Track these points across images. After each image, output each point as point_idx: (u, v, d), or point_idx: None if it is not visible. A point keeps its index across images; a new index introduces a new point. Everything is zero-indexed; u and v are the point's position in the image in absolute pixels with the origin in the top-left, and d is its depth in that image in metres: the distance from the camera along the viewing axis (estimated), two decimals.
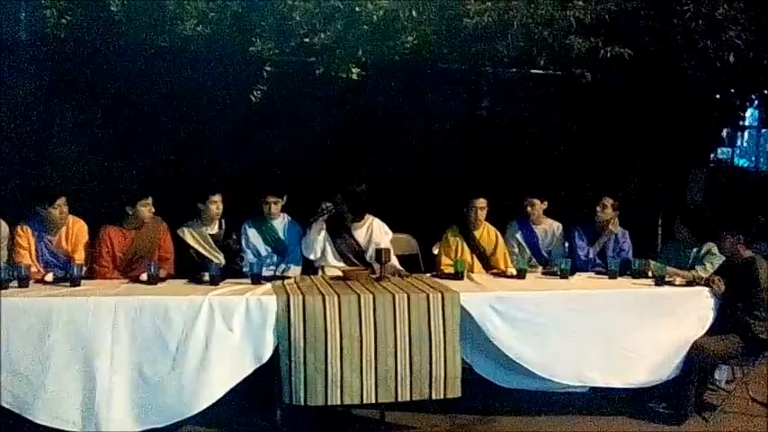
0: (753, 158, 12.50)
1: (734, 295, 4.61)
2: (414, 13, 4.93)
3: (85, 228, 4.88)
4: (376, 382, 4.15)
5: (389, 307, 4.19)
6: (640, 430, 4.52)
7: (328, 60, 5.03)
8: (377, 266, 4.82)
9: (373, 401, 4.18)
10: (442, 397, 4.24)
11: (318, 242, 5.13)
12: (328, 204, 5.05)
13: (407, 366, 4.18)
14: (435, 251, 5.58)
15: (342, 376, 4.11)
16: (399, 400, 4.19)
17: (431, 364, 4.20)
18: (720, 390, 4.97)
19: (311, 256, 5.16)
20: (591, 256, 5.47)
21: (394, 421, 4.50)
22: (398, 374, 4.17)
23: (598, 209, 5.46)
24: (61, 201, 4.70)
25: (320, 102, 5.67)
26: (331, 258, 5.17)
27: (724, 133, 7.99)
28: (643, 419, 4.61)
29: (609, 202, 5.46)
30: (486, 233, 5.47)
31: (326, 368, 4.09)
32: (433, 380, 4.21)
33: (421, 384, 4.19)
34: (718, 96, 6.61)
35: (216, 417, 4.17)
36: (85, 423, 3.92)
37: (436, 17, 5.14)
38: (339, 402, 4.13)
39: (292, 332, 4.09)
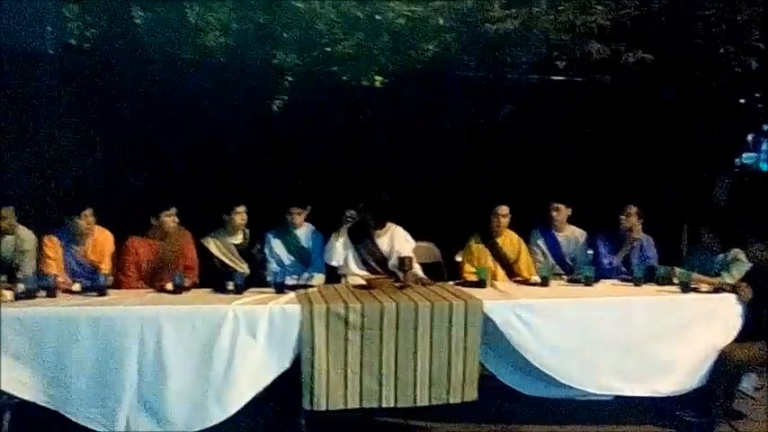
0: None
1: (762, 301, 4.55)
2: (436, 21, 4.95)
3: (111, 238, 4.94)
4: (395, 387, 4.18)
5: (412, 315, 4.20)
6: None
7: (350, 69, 5.06)
8: (400, 274, 4.83)
9: (392, 405, 4.21)
10: (459, 401, 4.26)
11: (339, 250, 5.16)
12: (351, 212, 5.07)
13: (427, 373, 4.21)
14: (458, 259, 5.57)
15: (361, 381, 4.15)
16: (418, 404, 4.22)
17: (449, 369, 4.22)
18: (748, 397, 4.91)
19: (333, 263, 5.18)
20: (615, 263, 5.43)
21: (417, 427, 4.51)
22: (418, 380, 4.20)
23: (622, 217, 5.43)
24: (88, 212, 4.76)
25: (342, 110, 5.69)
26: (354, 267, 5.18)
27: (749, 138, 7.90)
28: (670, 428, 4.57)
29: (632, 209, 5.43)
30: (509, 241, 5.46)
31: (346, 374, 4.13)
32: (452, 385, 4.23)
33: (439, 389, 4.23)
34: (741, 101, 6.56)
35: (240, 424, 4.17)
36: (114, 425, 3.98)
37: (457, 25, 5.16)
38: (358, 405, 4.17)
39: (315, 340, 4.11)
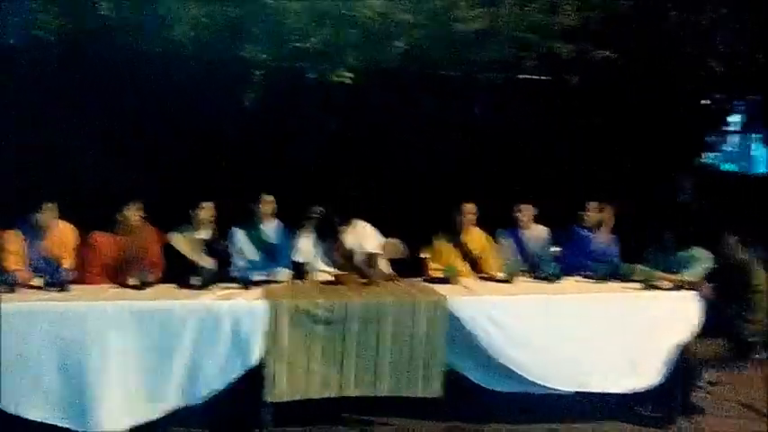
0: (739, 163, 12.58)
1: (724, 298, 4.64)
2: (405, 17, 4.96)
3: (75, 233, 4.89)
4: (355, 376, 4.24)
5: (377, 310, 4.24)
6: None
7: (320, 65, 5.05)
8: (366, 271, 4.83)
9: (351, 394, 4.25)
10: (421, 395, 4.31)
11: (306, 246, 5.15)
12: (317, 208, 5.07)
13: (388, 364, 4.27)
14: (424, 255, 5.59)
15: (324, 372, 4.21)
16: (378, 394, 4.27)
17: (411, 364, 4.28)
18: (706, 392, 5.00)
19: (299, 260, 5.17)
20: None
21: (386, 422, 4.53)
22: (378, 370, 4.25)
23: (584, 215, 5.52)
24: (50, 205, 4.71)
25: (312, 106, 5.68)
26: (320, 263, 5.18)
27: (710, 138, 8.05)
28: (631, 423, 4.64)
29: (593, 206, 5.52)
30: (476, 237, 5.50)
31: (309, 366, 4.19)
32: (414, 378, 4.29)
33: (401, 381, 4.28)
34: (704, 102, 6.67)
35: (202, 418, 4.21)
36: (77, 421, 3.95)
37: (427, 22, 5.17)
38: (318, 395, 4.21)
39: (279, 335, 4.14)
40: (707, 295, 4.68)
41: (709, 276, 4.84)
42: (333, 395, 4.25)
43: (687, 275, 4.97)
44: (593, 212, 5.54)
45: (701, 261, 5.02)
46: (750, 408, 4.93)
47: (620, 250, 5.59)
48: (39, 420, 3.93)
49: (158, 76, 5.30)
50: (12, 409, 3.91)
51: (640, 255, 5.32)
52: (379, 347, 4.25)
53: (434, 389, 4.32)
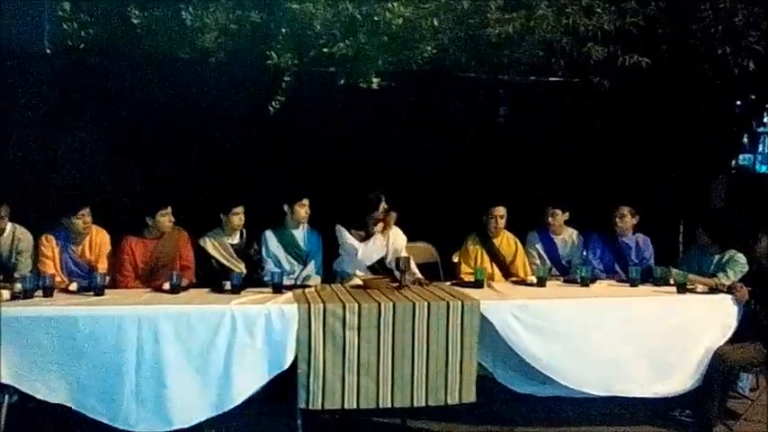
0: None
1: (760, 302, 4.56)
2: (434, 22, 4.95)
3: (108, 238, 4.95)
4: (392, 387, 4.19)
5: (409, 315, 4.21)
6: None
7: (348, 70, 5.06)
8: (397, 275, 4.83)
9: (389, 406, 4.21)
10: (457, 402, 4.26)
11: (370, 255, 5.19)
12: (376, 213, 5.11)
13: (424, 373, 4.21)
14: (455, 259, 5.58)
15: (359, 382, 4.16)
16: (415, 405, 4.23)
17: (447, 370, 4.23)
18: (744, 397, 4.92)
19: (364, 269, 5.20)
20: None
21: (414, 427, 4.51)
22: (415, 381, 4.21)
23: (617, 220, 5.47)
24: (84, 211, 4.77)
25: (340, 111, 5.69)
26: (351, 267, 5.19)
27: (745, 139, 7.93)
28: (667, 429, 4.59)
29: (626, 211, 5.47)
30: (506, 241, 5.48)
31: (344, 374, 4.15)
32: (449, 386, 4.24)
33: (437, 390, 4.23)
34: (738, 102, 6.58)
35: (236, 423, 4.22)
36: (115, 419, 4.00)
37: (456, 26, 5.16)
38: (355, 406, 4.17)
39: (312, 339, 4.13)
40: (742, 299, 4.61)
41: (745, 280, 4.76)
42: (370, 407, 4.21)
43: (722, 279, 4.91)
44: (626, 216, 5.48)
45: (737, 264, 4.96)
46: None
47: (654, 253, 5.52)
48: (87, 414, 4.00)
49: (188, 83, 5.35)
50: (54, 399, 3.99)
51: (675, 258, 5.26)
52: (414, 356, 4.20)
53: (470, 394, 4.27)
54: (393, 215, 5.24)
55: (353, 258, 5.17)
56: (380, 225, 5.24)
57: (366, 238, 5.20)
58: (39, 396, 3.97)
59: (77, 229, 4.77)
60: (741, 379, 4.95)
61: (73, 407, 3.98)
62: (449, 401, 4.25)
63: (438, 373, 4.23)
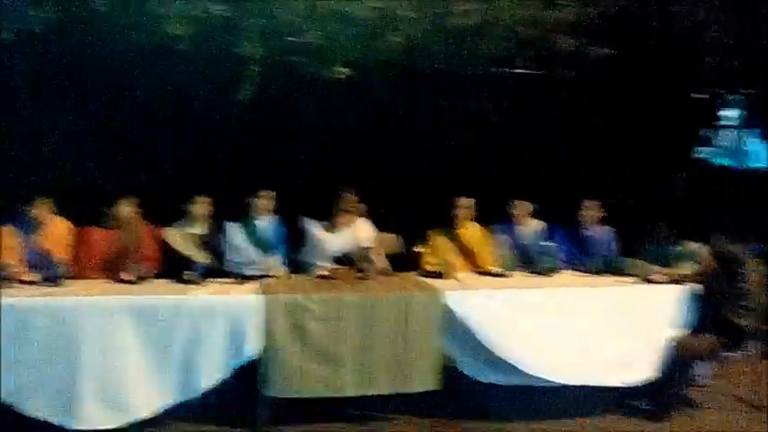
0: (733, 158, 12.62)
1: (718, 291, 4.64)
2: (400, 13, 4.95)
3: (69, 228, 4.86)
4: (356, 376, 4.22)
5: (373, 305, 4.24)
6: (624, 428, 4.54)
7: (316, 60, 5.04)
8: (362, 265, 4.83)
9: (352, 394, 4.24)
10: (420, 390, 4.30)
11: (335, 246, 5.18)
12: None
13: (387, 361, 4.25)
14: (420, 250, 5.60)
15: (322, 371, 4.18)
16: (378, 392, 4.26)
17: (411, 358, 4.27)
18: (702, 386, 5.01)
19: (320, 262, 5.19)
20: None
21: (377, 416, 4.52)
22: (378, 369, 4.24)
23: (582, 212, 5.54)
24: (43, 200, 4.69)
25: (308, 102, 5.67)
26: (316, 258, 5.18)
27: (704, 133, 8.07)
28: (627, 417, 4.65)
29: (591, 204, 5.54)
30: (471, 232, 5.51)
31: (307, 363, 4.16)
32: (412, 374, 4.27)
33: (402, 378, 4.26)
34: (698, 96, 6.68)
35: (199, 413, 4.21)
36: (68, 416, 3.93)
37: (422, 17, 5.16)
38: (317, 395, 4.20)
39: (275, 329, 4.13)
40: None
41: (704, 270, 4.85)
42: (330, 395, 4.23)
43: (682, 269, 4.99)
44: (591, 210, 5.55)
45: (696, 255, 5.03)
46: (743, 401, 4.95)
47: (616, 245, 5.60)
48: (34, 416, 3.91)
49: (153, 72, 5.29)
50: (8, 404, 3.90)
51: (636, 249, 5.33)
52: (375, 345, 4.23)
53: (432, 381, 4.30)
54: (360, 207, 5.24)
55: (318, 249, 5.16)
56: (346, 216, 5.24)
57: (331, 228, 5.20)
58: None
59: (36, 218, 4.69)
60: (701, 368, 5.04)
61: (24, 411, 3.90)
62: (411, 389, 4.29)
63: (401, 361, 4.25)
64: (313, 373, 4.17)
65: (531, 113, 6.26)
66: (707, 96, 6.74)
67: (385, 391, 4.27)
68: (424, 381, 4.30)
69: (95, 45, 5.14)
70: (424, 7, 5.12)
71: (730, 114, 7.93)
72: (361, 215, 5.30)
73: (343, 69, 5.03)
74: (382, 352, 4.24)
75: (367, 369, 4.24)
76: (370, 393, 4.27)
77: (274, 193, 5.20)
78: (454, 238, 5.47)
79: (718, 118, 7.78)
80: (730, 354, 4.72)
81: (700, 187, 7.07)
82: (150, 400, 4.03)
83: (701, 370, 5.04)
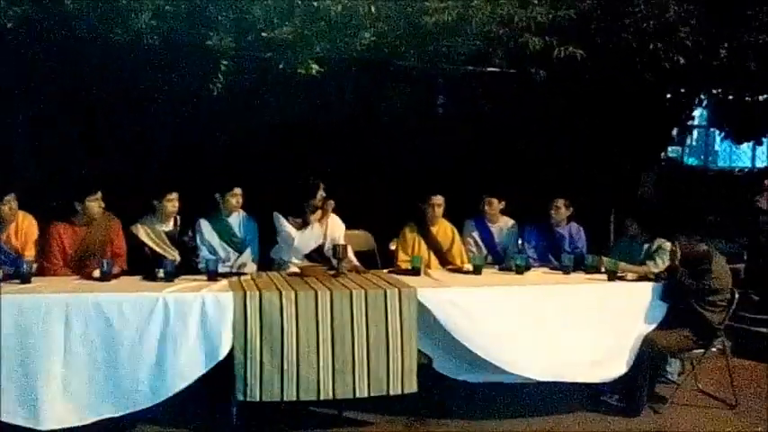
0: (702, 157, 12.82)
1: (687, 288, 4.68)
2: (372, 9, 4.93)
3: (35, 224, 4.77)
4: (333, 377, 4.12)
5: (347, 303, 4.18)
6: (595, 425, 4.56)
7: (287, 56, 5.00)
8: (334, 262, 4.81)
9: (330, 397, 4.15)
10: (399, 392, 4.22)
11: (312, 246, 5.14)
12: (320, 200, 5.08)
13: (365, 362, 4.16)
14: (392, 247, 5.60)
15: (298, 372, 4.08)
16: (357, 396, 4.17)
17: (388, 359, 4.19)
18: (672, 382, 5.07)
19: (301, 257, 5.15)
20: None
21: (351, 418, 4.48)
22: (356, 370, 4.15)
23: (552, 210, 5.58)
24: (10, 197, 4.60)
25: (279, 97, 5.63)
26: (288, 255, 5.15)
27: (674, 132, 8.17)
28: (597, 413, 4.68)
29: (561, 202, 5.58)
30: (443, 229, 5.52)
31: (282, 364, 4.05)
32: (391, 375, 4.19)
33: (379, 380, 4.17)
34: (668, 96, 6.76)
35: (171, 414, 4.15)
36: (37, 417, 3.85)
37: (394, 14, 5.15)
38: (295, 398, 4.09)
39: (248, 329, 4.05)
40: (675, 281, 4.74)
41: (673, 266, 4.89)
42: (310, 398, 4.13)
43: (651, 267, 5.04)
44: (561, 208, 5.59)
45: (665, 252, 5.09)
46: (712, 397, 5.02)
47: (586, 242, 5.64)
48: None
49: (122, 65, 5.20)
50: None
51: (606, 247, 5.37)
52: (354, 345, 4.15)
53: (411, 384, 4.24)
54: (330, 203, 5.22)
55: (290, 246, 5.13)
56: (318, 213, 5.22)
57: (303, 225, 5.17)
58: None
59: (2, 214, 4.59)
60: (669, 364, 5.10)
61: None
62: (391, 391, 4.21)
63: (379, 363, 4.18)
64: (287, 374, 4.05)
65: (503, 112, 6.28)
66: (676, 96, 6.80)
67: (365, 393, 4.17)
68: (403, 382, 4.22)
69: (61, 39, 5.04)
70: (395, 4, 5.10)
71: (699, 115, 8.04)
72: (331, 211, 5.27)
73: (314, 65, 4.99)
74: (360, 352, 4.15)
75: (345, 370, 4.13)
76: (349, 396, 4.17)
77: (239, 191, 5.14)
78: (427, 235, 5.47)
79: (688, 118, 7.88)
80: (700, 350, 4.77)
81: (669, 185, 7.15)
82: (120, 402, 3.94)
83: (673, 366, 5.11)
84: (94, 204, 4.72)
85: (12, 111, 5.35)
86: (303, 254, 5.15)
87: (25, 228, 4.73)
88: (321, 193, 5.19)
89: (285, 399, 4.08)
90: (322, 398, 4.14)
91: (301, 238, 5.13)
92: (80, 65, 5.23)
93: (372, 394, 4.19)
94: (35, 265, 4.49)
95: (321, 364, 4.11)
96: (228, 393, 4.15)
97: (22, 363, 3.86)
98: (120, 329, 3.96)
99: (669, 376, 5.12)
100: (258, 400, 4.05)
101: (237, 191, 5.14)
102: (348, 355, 4.15)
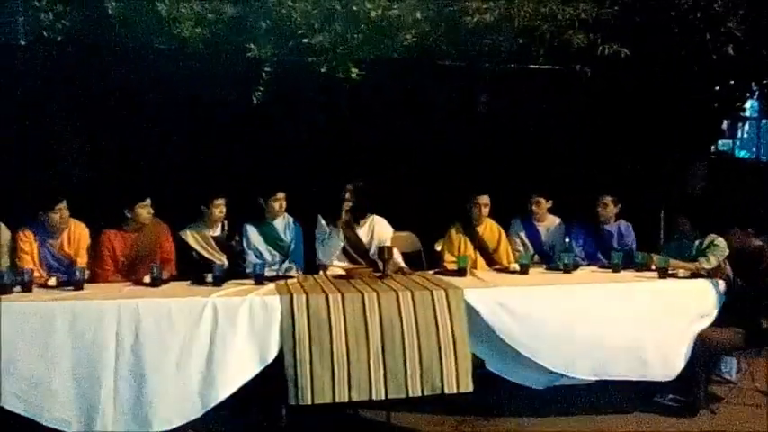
0: (753, 149, 12.51)
1: (741, 286, 4.58)
2: (413, 12, 4.93)
3: (87, 231, 4.87)
4: (385, 377, 4.05)
5: (394, 304, 4.16)
6: (650, 425, 4.49)
7: (327, 60, 5.02)
8: (380, 264, 4.81)
9: (383, 397, 4.05)
10: (454, 391, 4.10)
11: (339, 248, 5.15)
12: (348, 204, 5.08)
13: (417, 360, 4.08)
14: (438, 248, 5.58)
15: (349, 372, 4.03)
16: (411, 395, 4.06)
17: (441, 358, 4.10)
18: (727, 381, 4.95)
19: (333, 261, 5.17)
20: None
21: (399, 422, 4.46)
22: (408, 369, 4.06)
23: (599, 208, 5.50)
24: (62, 204, 4.69)
25: (321, 102, 5.66)
26: (334, 257, 5.16)
27: (724, 125, 7.98)
28: (654, 414, 4.60)
29: (609, 200, 5.50)
30: (489, 229, 5.49)
31: (333, 365, 4.00)
32: (444, 374, 4.09)
33: (432, 378, 4.07)
34: (717, 88, 6.61)
35: (220, 419, 4.15)
36: (90, 425, 3.88)
37: (435, 15, 5.14)
38: (347, 399, 4.02)
39: (296, 331, 4.03)
40: (724, 282, 4.63)
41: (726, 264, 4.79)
42: (362, 398, 4.06)
43: (703, 263, 4.93)
44: (609, 205, 5.51)
45: (717, 249, 4.97)
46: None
47: (635, 239, 5.55)
48: (51, 425, 3.87)
49: (165, 74, 5.28)
50: (21, 410, 3.85)
51: (656, 244, 5.27)
52: (405, 344, 4.08)
53: (467, 384, 4.13)
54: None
55: (335, 248, 5.14)
56: (362, 214, 5.24)
57: (348, 227, 5.19)
58: (7, 406, 3.83)
59: (54, 223, 4.69)
60: (726, 363, 4.99)
61: (42, 421, 3.86)
62: (446, 390, 4.08)
63: (432, 361, 4.08)
64: (338, 375, 4.01)
65: (548, 109, 6.21)
66: (726, 88, 6.64)
67: (418, 392, 4.07)
68: (458, 381, 4.12)
69: (106, 48, 5.15)
70: (434, 6, 5.09)
71: (750, 106, 7.85)
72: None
73: (355, 69, 5.00)
74: (412, 351, 4.08)
75: (397, 369, 4.06)
76: (402, 395, 4.08)
77: (282, 195, 5.18)
78: (474, 235, 5.44)
79: (739, 110, 7.69)
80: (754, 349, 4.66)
81: (720, 180, 6.99)
82: (170, 411, 3.94)
83: (730, 365, 4.99)
84: (144, 211, 4.80)
85: (58, 119, 5.46)
86: (344, 256, 5.14)
87: (77, 235, 4.83)
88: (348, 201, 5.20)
89: (337, 400, 4.01)
90: (374, 398, 4.05)
91: (345, 240, 5.15)
92: (124, 74, 5.32)
93: (426, 393, 4.08)
94: (87, 272, 4.58)
95: (372, 363, 4.05)
96: (277, 398, 4.15)
97: (74, 368, 3.91)
98: (169, 334, 3.99)
99: (728, 375, 5.00)
100: (310, 402, 3.98)
101: (280, 195, 5.18)
102: (399, 353, 4.08)
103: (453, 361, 4.13)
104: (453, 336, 4.15)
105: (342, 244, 5.16)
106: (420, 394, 4.07)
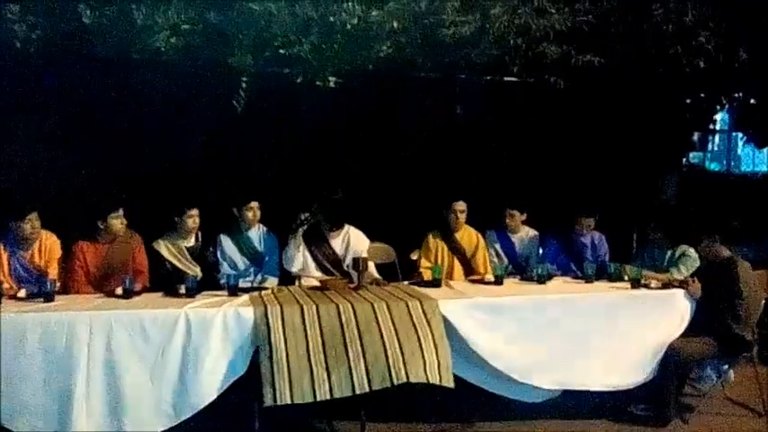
0: (724, 162, 12.70)
1: (712, 297, 4.63)
2: (390, 23, 4.94)
3: (58, 242, 4.83)
4: (367, 370, 3.97)
5: (371, 314, 4.16)
6: None
7: (305, 71, 5.02)
8: (354, 275, 4.81)
9: (367, 390, 3.95)
10: (437, 382, 4.04)
11: (299, 255, 5.13)
12: (307, 215, 5.04)
13: (398, 350, 4.02)
14: (414, 256, 5.59)
15: (328, 371, 3.97)
16: (396, 383, 3.95)
17: (422, 349, 4.05)
18: (701, 392, 4.98)
19: (293, 270, 5.15)
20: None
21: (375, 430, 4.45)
22: (389, 358, 3.99)
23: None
24: (33, 215, 4.64)
25: (298, 112, 5.66)
26: (309, 268, 5.15)
27: (695, 138, 8.09)
28: (625, 423, 4.62)
29: (584, 218, 5.53)
30: (467, 236, 5.53)
31: (311, 366, 3.96)
32: (427, 364, 4.03)
33: (416, 367, 3.99)
34: (688, 101, 6.70)
35: (194, 430, 4.12)
36: None
37: (411, 26, 5.16)
38: (329, 396, 3.94)
39: (272, 337, 4.00)
40: (695, 293, 4.68)
41: (697, 275, 4.83)
42: (347, 394, 3.96)
43: (675, 274, 4.99)
44: (583, 218, 5.54)
45: (689, 259, 5.05)
46: (741, 405, 4.93)
47: (608, 250, 5.59)
48: None
49: (141, 84, 5.26)
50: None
51: (629, 255, 5.31)
52: (384, 338, 4.03)
53: (449, 379, 4.09)
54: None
55: (309, 259, 5.13)
56: (338, 225, 5.22)
57: (323, 238, 5.18)
58: None
59: (25, 233, 4.63)
60: (697, 372, 5.01)
61: (16, 428, 3.83)
62: (430, 379, 4.00)
63: (414, 351, 4.03)
64: (318, 374, 3.94)
65: (522, 120, 6.26)
66: (697, 101, 6.74)
67: (404, 379, 3.95)
68: (441, 374, 4.04)
69: (82, 59, 5.10)
70: (412, 17, 5.11)
71: (721, 119, 7.96)
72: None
73: (332, 78, 5.00)
74: (392, 343, 4.04)
75: (380, 360, 3.97)
76: (387, 386, 3.95)
77: (255, 204, 5.16)
78: (451, 241, 5.47)
79: (710, 122, 7.80)
80: (726, 359, 4.71)
81: (691, 192, 7.08)
82: (143, 421, 3.93)
83: (700, 374, 5.02)
84: (117, 221, 4.76)
85: (31, 129, 5.40)
86: (321, 267, 5.14)
87: (48, 246, 4.78)
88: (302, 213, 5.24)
89: (318, 398, 3.93)
90: (358, 392, 3.95)
91: (320, 251, 5.15)
92: (99, 84, 5.29)
93: (412, 380, 3.96)
94: (59, 284, 4.53)
95: (352, 360, 3.99)
96: (250, 408, 4.13)
97: (45, 381, 3.87)
98: (142, 346, 3.97)
99: (697, 384, 5.04)
100: (290, 402, 3.90)
101: (254, 204, 5.16)
102: (379, 347, 4.01)
103: (434, 354, 4.09)
104: (432, 334, 4.14)
105: (299, 252, 5.15)
106: (406, 380, 3.96)
